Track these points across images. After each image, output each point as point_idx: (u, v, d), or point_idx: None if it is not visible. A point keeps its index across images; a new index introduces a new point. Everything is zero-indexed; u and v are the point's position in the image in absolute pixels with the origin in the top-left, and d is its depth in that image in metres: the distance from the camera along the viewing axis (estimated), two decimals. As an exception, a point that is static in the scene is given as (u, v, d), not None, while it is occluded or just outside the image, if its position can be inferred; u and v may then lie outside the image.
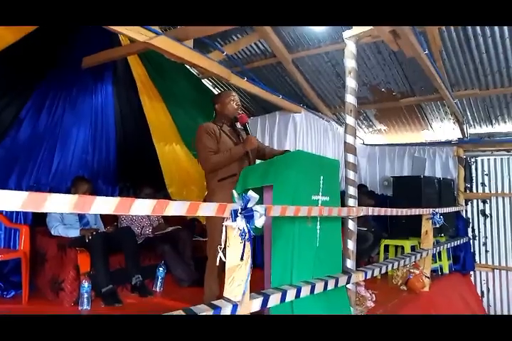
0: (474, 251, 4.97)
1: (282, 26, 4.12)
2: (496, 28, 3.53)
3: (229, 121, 2.50)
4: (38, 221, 3.14)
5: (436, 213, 3.46)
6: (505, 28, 3.50)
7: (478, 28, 3.57)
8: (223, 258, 1.48)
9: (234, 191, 1.50)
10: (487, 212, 4.96)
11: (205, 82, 5.49)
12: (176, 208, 1.25)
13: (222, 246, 1.46)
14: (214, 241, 2.31)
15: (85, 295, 2.60)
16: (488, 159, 5.02)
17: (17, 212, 3.09)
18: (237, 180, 2.27)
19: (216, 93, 5.53)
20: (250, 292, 1.59)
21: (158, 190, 4.25)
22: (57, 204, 0.95)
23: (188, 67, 4.82)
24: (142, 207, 1.16)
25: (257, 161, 2.54)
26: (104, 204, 1.06)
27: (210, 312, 1.37)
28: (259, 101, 5.29)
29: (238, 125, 2.54)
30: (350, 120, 2.53)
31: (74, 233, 2.95)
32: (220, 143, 2.35)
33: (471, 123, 5.06)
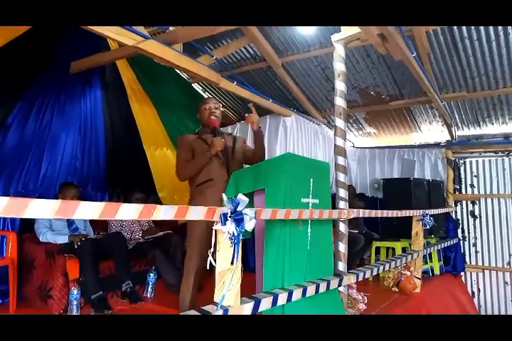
0: (464, 252, 5.00)
1: (271, 31, 4.13)
2: (483, 31, 3.57)
3: (209, 129, 2.50)
4: (26, 227, 3.09)
5: (426, 214, 3.48)
6: (492, 31, 3.54)
7: (465, 31, 3.61)
8: (214, 263, 1.46)
9: (224, 194, 1.49)
10: (476, 213, 5.00)
11: (196, 86, 5.48)
12: (163, 212, 1.23)
13: (212, 251, 1.44)
14: (191, 238, 2.34)
15: (74, 303, 2.56)
16: (477, 161, 5.07)
17: (4, 219, 3.04)
18: (214, 184, 2.33)
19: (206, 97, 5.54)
20: (242, 296, 1.58)
21: (149, 195, 4.22)
22: (40, 210, 0.93)
23: (178, 71, 4.80)
24: (129, 212, 1.15)
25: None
26: (89, 209, 1.04)
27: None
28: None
29: (226, 130, 2.56)
30: (339, 122, 2.54)
31: (62, 239, 2.90)
32: (197, 152, 2.40)
33: (460, 125, 5.11)
